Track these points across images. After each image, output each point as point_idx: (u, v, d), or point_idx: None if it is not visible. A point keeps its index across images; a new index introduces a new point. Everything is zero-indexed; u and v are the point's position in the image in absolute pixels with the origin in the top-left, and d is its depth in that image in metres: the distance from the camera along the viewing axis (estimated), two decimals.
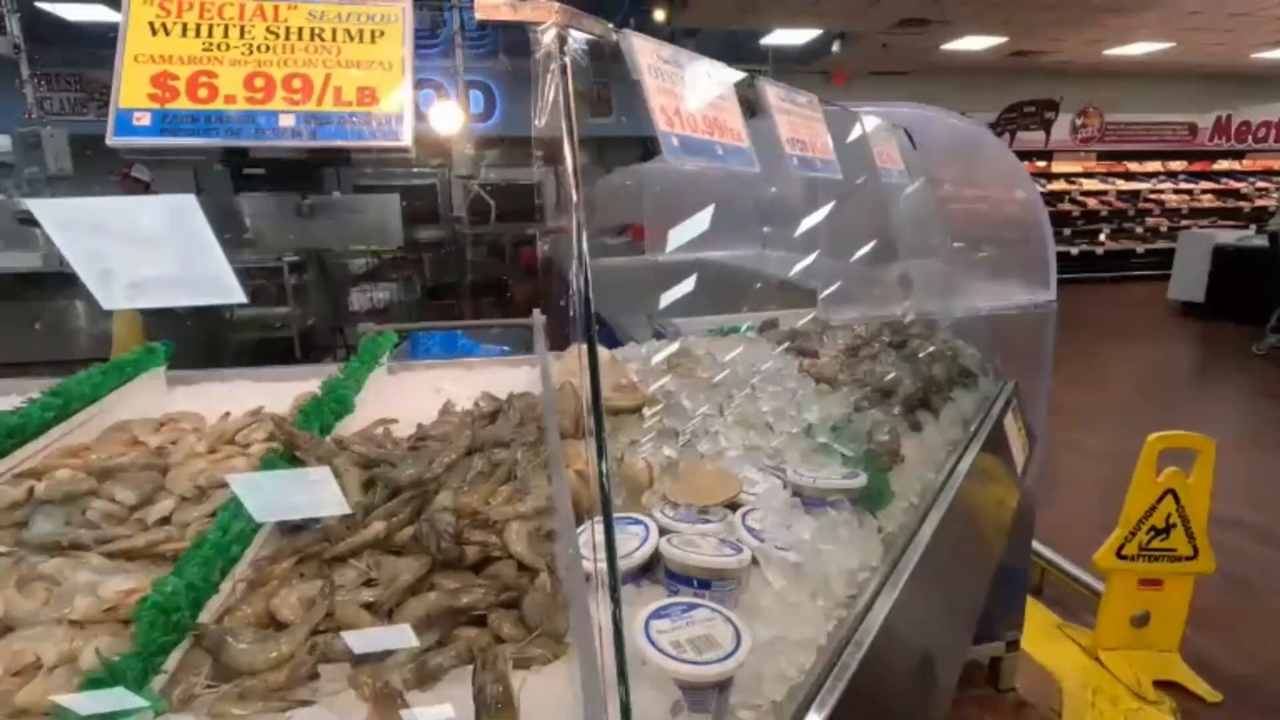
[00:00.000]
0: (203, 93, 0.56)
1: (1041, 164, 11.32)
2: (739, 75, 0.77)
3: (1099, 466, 3.25)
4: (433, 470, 0.75)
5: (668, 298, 1.66)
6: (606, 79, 10.26)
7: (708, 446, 0.88)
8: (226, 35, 0.52)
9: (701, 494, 0.76)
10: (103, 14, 7.51)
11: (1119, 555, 1.97)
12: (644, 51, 0.65)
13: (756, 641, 0.57)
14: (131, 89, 0.50)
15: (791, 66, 10.00)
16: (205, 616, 0.58)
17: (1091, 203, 11.29)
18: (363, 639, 0.52)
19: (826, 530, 0.75)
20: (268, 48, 0.56)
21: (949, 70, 10.78)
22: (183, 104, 0.50)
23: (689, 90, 0.70)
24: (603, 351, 1.17)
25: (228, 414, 1.01)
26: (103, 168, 5.77)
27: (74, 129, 6.16)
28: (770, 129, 1.05)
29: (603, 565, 0.49)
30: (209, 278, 0.76)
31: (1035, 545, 2.49)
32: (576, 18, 0.58)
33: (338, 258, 5.19)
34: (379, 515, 0.67)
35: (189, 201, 0.72)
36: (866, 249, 1.67)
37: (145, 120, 0.50)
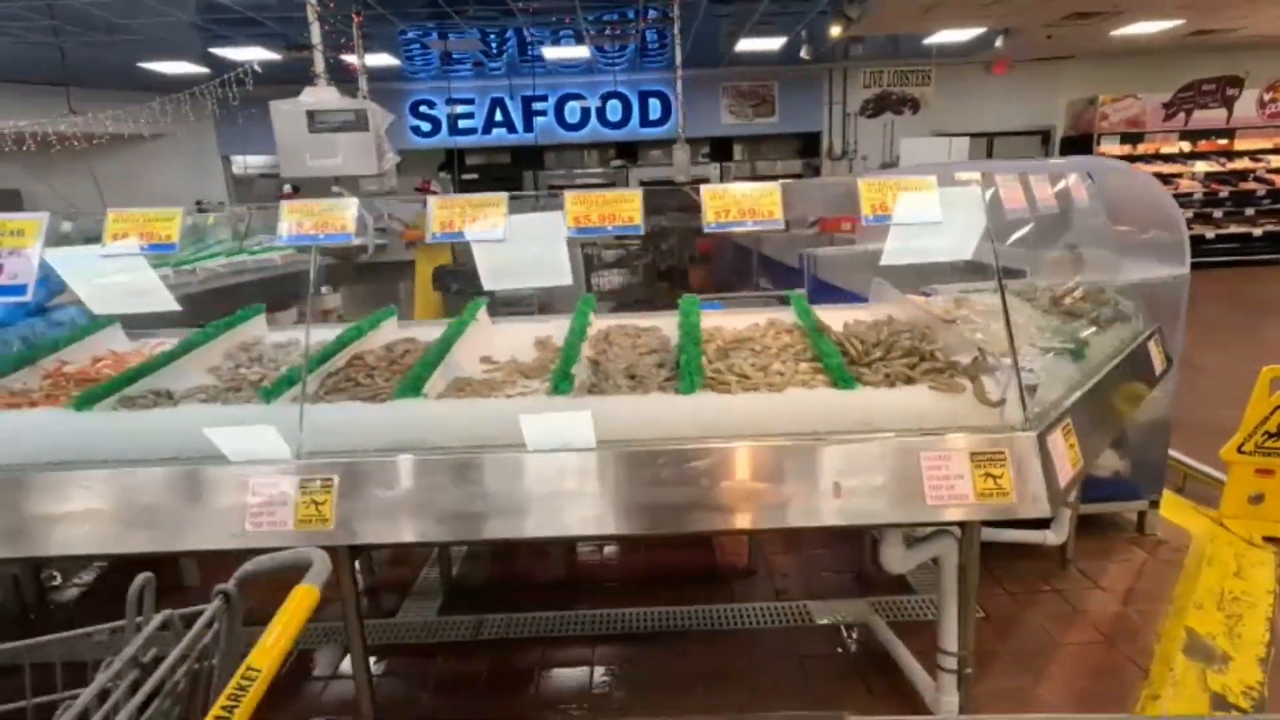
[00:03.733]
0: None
1: (1222, 142, 10.99)
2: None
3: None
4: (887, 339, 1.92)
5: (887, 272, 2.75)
6: (771, 80, 11.23)
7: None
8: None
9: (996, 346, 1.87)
10: (386, 60, 9.52)
11: (1239, 450, 2.84)
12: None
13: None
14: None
15: (952, 60, 10.48)
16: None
17: None
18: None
19: (1053, 365, 1.83)
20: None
21: (1118, 52, 10.73)
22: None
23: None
24: (926, 300, 2.30)
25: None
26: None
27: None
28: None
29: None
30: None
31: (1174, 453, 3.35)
32: None
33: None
34: (881, 350, 1.85)
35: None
36: (1060, 242, 2.68)
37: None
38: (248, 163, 12.55)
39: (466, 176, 11.85)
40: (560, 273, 1.98)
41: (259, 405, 1.69)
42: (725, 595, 2.56)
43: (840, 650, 2.25)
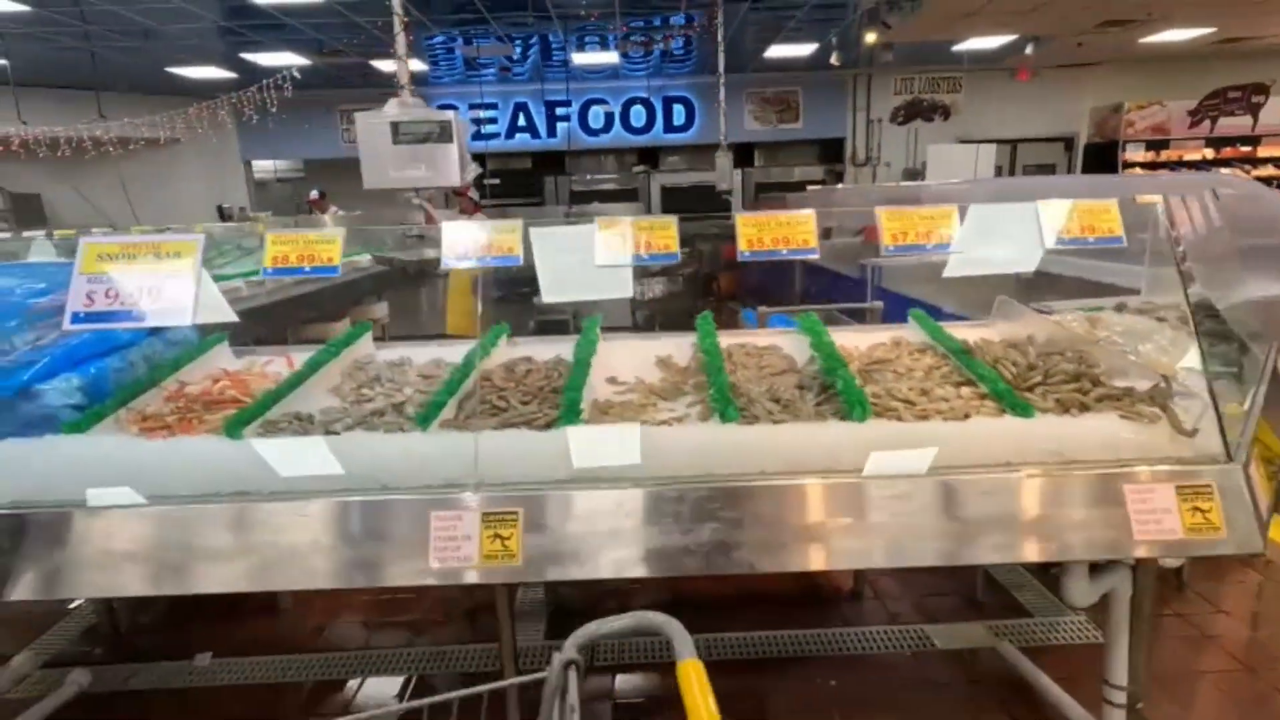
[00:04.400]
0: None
1: (1246, 149, 10.99)
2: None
3: None
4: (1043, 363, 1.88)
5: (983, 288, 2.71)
6: (796, 86, 11.21)
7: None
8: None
9: (1162, 369, 1.82)
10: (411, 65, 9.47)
11: None
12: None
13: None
14: None
15: (976, 67, 10.47)
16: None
17: None
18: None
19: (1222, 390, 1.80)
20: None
21: (1144, 59, 10.73)
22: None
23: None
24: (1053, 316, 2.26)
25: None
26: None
27: None
28: None
29: None
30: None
31: None
32: None
33: None
34: (1040, 374, 1.80)
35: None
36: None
37: None
38: (276, 166, 12.53)
39: (489, 181, 11.81)
40: (622, 285, 1.97)
41: (417, 433, 1.64)
42: (836, 619, 2.52)
43: (971, 678, 2.20)
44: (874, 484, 1.44)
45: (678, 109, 11.26)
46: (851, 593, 2.68)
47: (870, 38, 7.76)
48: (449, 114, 3.25)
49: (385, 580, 1.41)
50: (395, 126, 3.09)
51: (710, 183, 11.88)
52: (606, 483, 1.47)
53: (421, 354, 2.42)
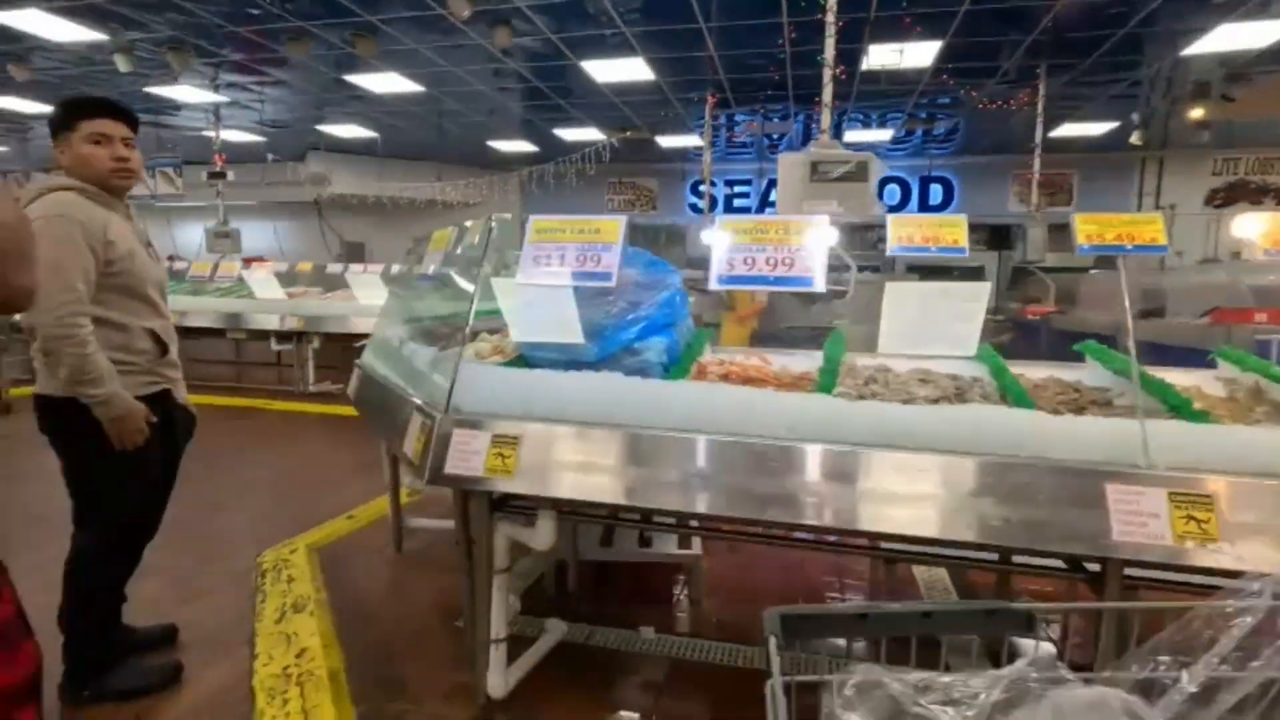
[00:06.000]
0: None
1: None
2: None
3: None
4: None
5: None
6: (1071, 169, 10.60)
7: None
8: None
9: None
10: (678, 141, 10.35)
11: None
12: None
13: None
14: None
15: None
16: None
17: None
18: None
19: None
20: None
21: None
22: None
23: None
24: None
25: None
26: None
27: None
28: None
29: None
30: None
31: None
32: None
33: None
34: None
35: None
36: None
37: None
38: None
39: None
40: (968, 344, 1.97)
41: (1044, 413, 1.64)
42: None
43: None
44: None
45: (934, 188, 11.10)
46: None
47: (1196, 113, 7.16)
48: (867, 154, 3.44)
49: (1052, 546, 1.40)
50: (814, 165, 3.33)
51: (946, 262, 11.43)
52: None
53: (891, 364, 2.48)
